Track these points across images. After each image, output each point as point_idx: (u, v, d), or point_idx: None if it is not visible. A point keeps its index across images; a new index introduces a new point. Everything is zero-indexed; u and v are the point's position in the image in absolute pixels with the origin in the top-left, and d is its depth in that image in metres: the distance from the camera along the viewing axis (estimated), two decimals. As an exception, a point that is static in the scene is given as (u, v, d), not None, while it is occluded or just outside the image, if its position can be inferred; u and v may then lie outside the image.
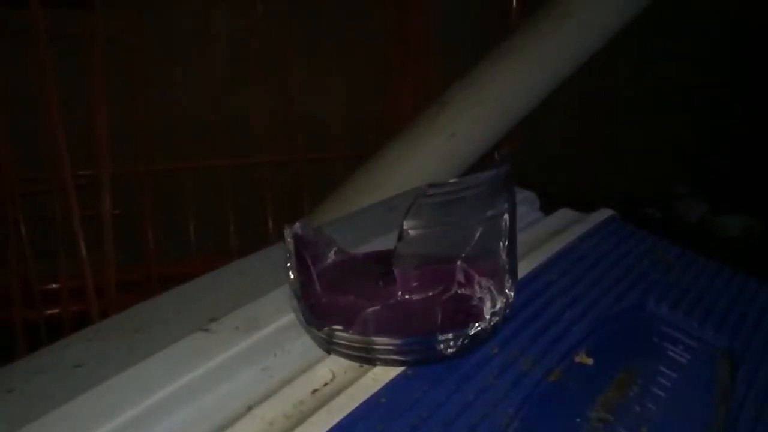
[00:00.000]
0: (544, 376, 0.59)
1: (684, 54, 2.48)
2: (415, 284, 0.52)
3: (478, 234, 0.52)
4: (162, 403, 0.51)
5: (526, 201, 1.00)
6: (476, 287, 0.53)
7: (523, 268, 0.76)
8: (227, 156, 1.77)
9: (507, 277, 0.56)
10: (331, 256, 0.64)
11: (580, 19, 1.50)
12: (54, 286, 1.59)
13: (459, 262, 0.52)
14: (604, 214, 0.94)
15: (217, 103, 1.79)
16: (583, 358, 0.63)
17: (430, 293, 0.52)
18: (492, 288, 0.54)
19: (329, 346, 0.57)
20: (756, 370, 0.66)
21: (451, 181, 0.52)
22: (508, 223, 0.55)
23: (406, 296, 0.52)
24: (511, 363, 0.59)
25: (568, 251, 0.81)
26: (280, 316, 0.61)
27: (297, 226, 0.59)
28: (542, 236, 0.86)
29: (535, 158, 2.33)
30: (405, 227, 0.51)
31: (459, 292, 0.53)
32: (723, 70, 2.60)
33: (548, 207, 1.00)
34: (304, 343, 0.61)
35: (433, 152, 1.49)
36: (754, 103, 2.70)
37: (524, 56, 1.52)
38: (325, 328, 0.55)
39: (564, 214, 0.95)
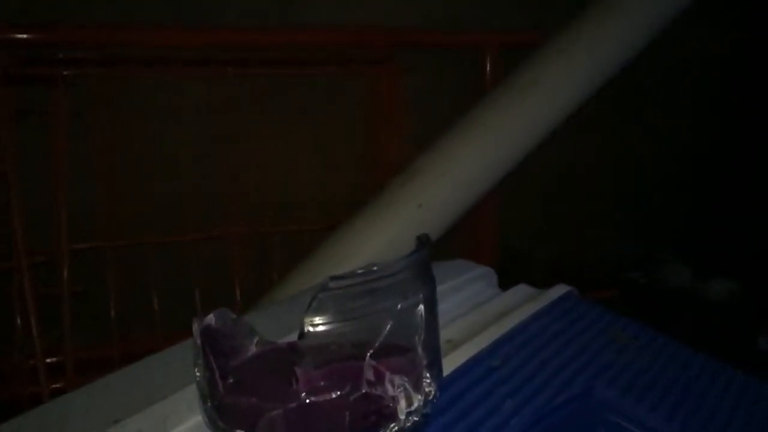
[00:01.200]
0: (475, 479, 0.55)
1: (655, 123, 2.50)
2: (320, 384, 0.48)
3: (388, 327, 0.49)
4: None
5: (483, 277, 0.96)
6: (388, 386, 0.49)
7: (466, 353, 0.72)
8: (196, 229, 1.74)
9: (425, 372, 0.52)
10: (252, 348, 0.61)
11: (544, 88, 1.50)
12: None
13: (367, 359, 0.48)
14: (560, 290, 0.90)
15: (186, 178, 1.77)
16: (520, 456, 0.58)
17: (337, 393, 0.48)
18: (407, 386, 0.50)
19: (237, 452, 0.52)
20: (709, 464, 0.62)
21: (358, 271, 0.49)
22: (423, 314, 0.51)
23: (311, 398, 0.48)
24: (438, 465, 0.55)
25: (517, 332, 0.77)
26: (191, 416, 0.57)
27: (210, 317, 0.56)
28: (491, 316, 0.82)
29: (519, 231, 2.31)
30: (305, 323, 0.47)
31: (369, 391, 0.49)
32: (698, 137, 2.62)
33: (530, 279, 0.97)
34: (218, 445, 0.56)
35: (401, 222, 1.47)
36: (731, 169, 2.71)
37: (488, 126, 1.52)
38: (231, 432, 0.51)
39: (519, 291, 0.91)
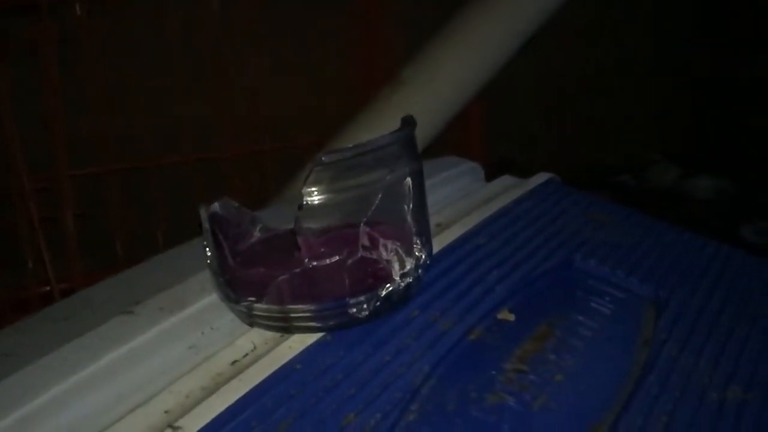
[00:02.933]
0: (465, 335, 0.61)
1: (647, 24, 2.50)
2: (320, 251, 0.53)
3: (378, 198, 0.54)
4: (80, 384, 0.52)
5: (469, 171, 1.01)
6: (382, 250, 0.55)
7: (456, 232, 0.77)
8: (193, 153, 1.77)
9: (415, 238, 0.57)
10: (257, 234, 0.66)
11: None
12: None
13: (362, 227, 0.53)
14: (542, 177, 0.95)
15: (177, 101, 1.79)
16: (506, 315, 0.64)
17: (336, 258, 0.53)
18: (399, 250, 0.56)
19: (250, 319, 0.58)
20: (678, 317, 0.68)
21: (347, 146, 0.53)
22: (411, 186, 0.56)
23: (313, 263, 0.53)
24: (431, 324, 0.61)
25: (502, 215, 0.83)
26: (206, 295, 0.63)
27: (215, 205, 0.60)
28: (478, 203, 0.87)
29: (512, 134, 2.34)
30: (303, 196, 0.52)
31: (365, 255, 0.54)
32: (686, 38, 2.62)
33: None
34: (233, 320, 0.62)
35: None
36: (719, 68, 2.72)
37: (471, 33, 1.53)
38: (243, 302, 0.56)
39: (504, 181, 0.96)
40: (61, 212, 1.49)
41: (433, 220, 0.81)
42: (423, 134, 1.51)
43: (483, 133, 2.15)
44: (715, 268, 0.79)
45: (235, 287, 0.56)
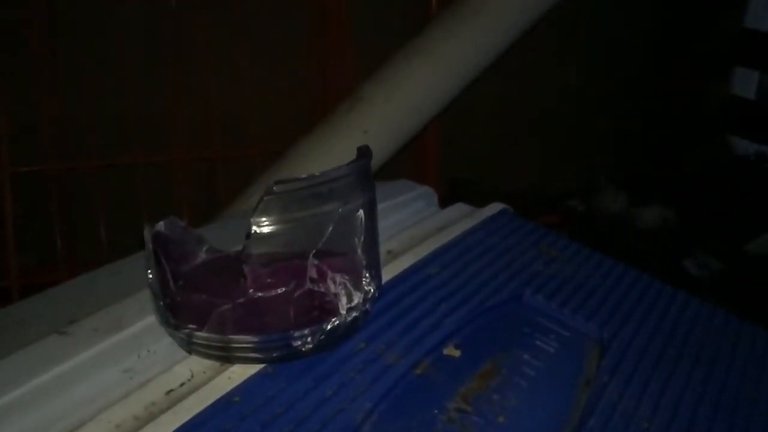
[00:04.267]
0: (410, 370, 0.60)
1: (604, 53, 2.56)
2: (266, 281, 0.52)
3: (329, 230, 0.52)
4: (6, 407, 0.49)
5: (423, 196, 1.01)
6: (330, 283, 0.53)
7: (406, 262, 0.76)
8: (141, 154, 1.73)
9: (365, 271, 0.56)
10: (202, 255, 0.64)
11: (488, 17, 1.52)
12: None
13: (311, 258, 0.52)
14: (495, 208, 0.95)
15: (130, 98, 1.75)
16: (451, 351, 0.64)
17: (283, 290, 0.52)
18: (348, 283, 0.55)
19: (189, 347, 0.56)
20: (621, 358, 0.68)
21: (301, 176, 0.52)
22: (363, 219, 0.55)
23: (259, 294, 0.52)
24: (376, 358, 0.60)
25: (454, 245, 0.82)
26: (145, 316, 0.60)
27: (160, 224, 0.58)
28: (430, 231, 0.87)
29: (463, 163, 2.36)
30: (252, 224, 0.51)
31: (312, 288, 0.53)
32: (635, 67, 2.69)
33: (473, 203, 1.01)
34: (171, 344, 0.60)
35: (346, 148, 1.49)
36: (665, 101, 2.79)
37: (433, 54, 1.54)
38: (183, 329, 0.54)
39: (457, 209, 0.96)
40: (1, 209, 1.44)
41: (385, 247, 0.80)
42: (379, 152, 1.51)
43: (437, 153, 2.16)
44: (659, 308, 0.80)
45: (176, 312, 0.54)
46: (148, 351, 0.59)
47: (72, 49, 1.67)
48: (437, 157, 2.14)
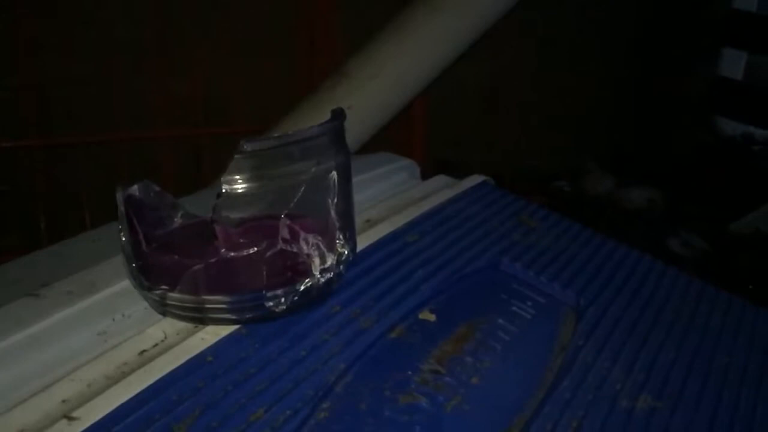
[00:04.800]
0: (384, 334, 0.60)
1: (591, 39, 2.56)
2: (238, 241, 0.52)
3: (302, 190, 0.52)
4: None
5: (406, 168, 1.00)
6: (302, 244, 0.53)
7: (384, 229, 0.76)
8: (127, 131, 1.72)
9: (338, 234, 0.56)
10: (177, 220, 0.64)
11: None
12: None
13: (283, 219, 0.52)
14: (476, 179, 0.95)
15: (115, 75, 1.73)
16: (427, 315, 0.64)
17: (254, 249, 0.52)
18: (321, 245, 0.54)
19: (163, 309, 0.56)
20: (596, 324, 0.69)
21: (272, 136, 0.52)
22: (336, 180, 0.55)
23: (230, 253, 0.52)
24: (351, 321, 0.60)
25: (433, 214, 0.82)
26: (119, 280, 0.60)
27: (133, 187, 0.58)
28: (411, 200, 0.86)
29: (452, 142, 2.35)
30: (223, 184, 0.50)
31: (285, 248, 0.53)
32: (622, 49, 2.69)
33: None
34: (146, 308, 0.60)
35: (330, 125, 1.48)
36: (653, 83, 2.80)
37: (417, 30, 1.53)
38: (156, 290, 0.54)
39: (438, 181, 0.96)
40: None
41: (363, 216, 0.80)
42: (364, 129, 1.51)
43: (425, 132, 2.15)
44: (636, 277, 0.80)
45: (148, 274, 0.54)
46: (123, 315, 0.59)
47: (57, 27, 1.66)
48: (424, 136, 2.14)
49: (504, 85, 2.47)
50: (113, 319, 0.58)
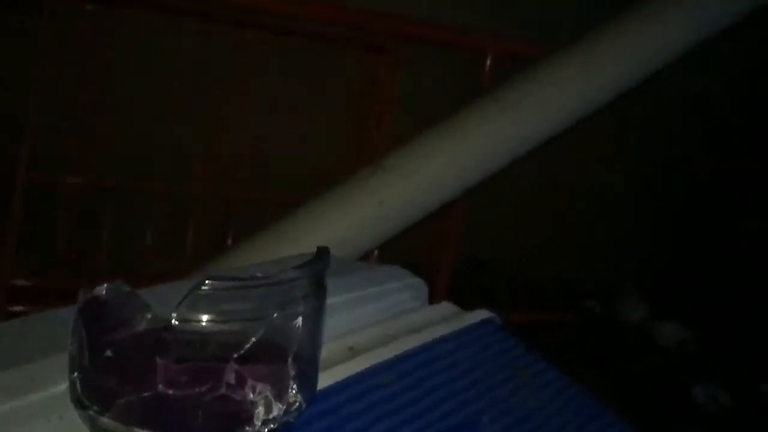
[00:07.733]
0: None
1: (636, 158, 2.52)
2: (179, 379, 0.48)
3: (258, 335, 0.49)
4: None
5: (411, 287, 0.96)
6: (248, 391, 0.50)
7: (361, 364, 0.72)
8: (162, 181, 1.73)
9: (293, 382, 0.52)
10: (142, 324, 0.61)
11: (523, 109, 1.50)
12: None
13: (231, 363, 0.49)
14: (482, 314, 0.90)
15: (161, 127, 1.76)
16: (379, 479, 0.59)
17: (194, 391, 0.48)
18: (269, 394, 0.51)
19: (93, 429, 0.53)
20: None
21: (240, 275, 0.49)
22: (300, 328, 0.51)
23: (167, 391, 0.48)
24: (293, 475, 0.55)
25: (421, 351, 0.78)
26: (61, 382, 0.57)
27: (100, 288, 0.56)
28: (404, 330, 0.82)
29: (485, 242, 2.32)
30: (175, 317, 0.47)
31: (227, 394, 0.49)
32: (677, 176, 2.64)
33: (487, 289, 0.97)
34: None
35: (357, 215, 1.47)
36: (696, 212, 2.72)
37: (465, 134, 1.52)
38: (90, 410, 0.51)
39: (442, 309, 0.92)
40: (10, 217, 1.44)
41: (348, 341, 0.76)
42: (390, 226, 1.48)
43: (461, 227, 2.12)
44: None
45: (84, 389, 0.51)
46: (60, 417, 0.56)
47: (115, 69, 1.70)
48: (458, 234, 2.10)
49: (543, 191, 2.43)
50: (48, 420, 0.55)
